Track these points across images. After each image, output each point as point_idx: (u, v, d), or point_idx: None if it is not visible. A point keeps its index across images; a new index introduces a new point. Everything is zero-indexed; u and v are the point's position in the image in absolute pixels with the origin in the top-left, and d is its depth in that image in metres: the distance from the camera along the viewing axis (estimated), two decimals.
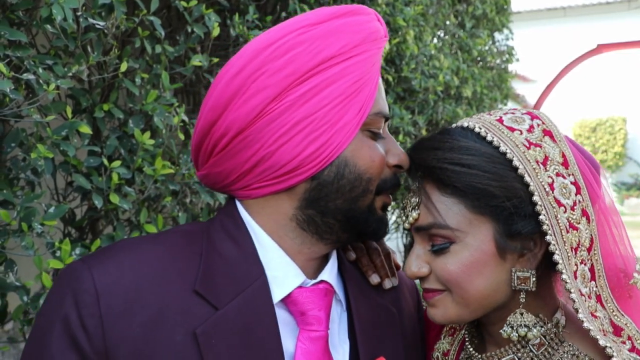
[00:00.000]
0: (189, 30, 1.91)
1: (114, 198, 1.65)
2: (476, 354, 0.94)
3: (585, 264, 0.86)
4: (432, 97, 3.69)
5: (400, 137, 3.48)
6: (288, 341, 0.86)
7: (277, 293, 0.86)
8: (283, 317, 0.87)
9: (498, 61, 5.88)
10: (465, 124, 0.91)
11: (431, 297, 0.90)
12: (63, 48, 1.55)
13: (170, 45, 1.94)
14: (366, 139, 0.89)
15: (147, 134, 1.73)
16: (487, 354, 0.93)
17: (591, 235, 0.87)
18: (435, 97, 3.74)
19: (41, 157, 1.44)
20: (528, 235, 0.85)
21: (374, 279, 0.98)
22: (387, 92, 3.42)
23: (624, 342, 0.86)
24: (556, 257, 0.83)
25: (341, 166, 0.86)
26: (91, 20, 1.51)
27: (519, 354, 0.90)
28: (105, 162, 1.63)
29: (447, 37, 4.58)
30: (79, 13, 1.47)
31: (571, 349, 0.88)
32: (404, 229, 0.93)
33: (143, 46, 1.78)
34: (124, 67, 1.60)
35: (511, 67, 6.83)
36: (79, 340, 0.76)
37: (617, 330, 0.87)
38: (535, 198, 0.84)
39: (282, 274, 0.87)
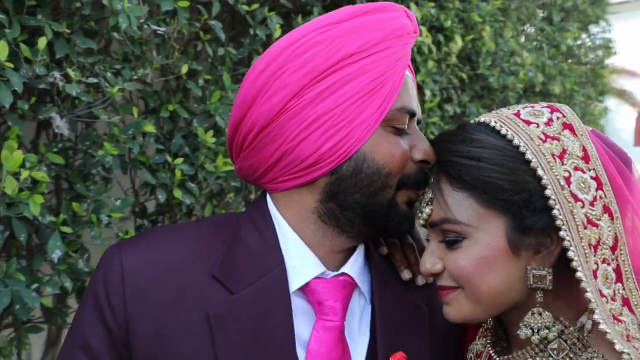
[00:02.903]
0: (252, 32, 1.99)
1: (177, 193, 1.75)
2: (495, 356, 0.91)
3: (608, 264, 0.82)
4: (512, 94, 3.56)
5: None
6: (304, 329, 0.89)
7: (295, 282, 0.89)
8: (301, 305, 0.90)
9: (592, 56, 5.55)
10: (482, 119, 0.89)
11: (445, 295, 0.89)
12: (130, 53, 1.67)
13: (236, 48, 2.03)
14: (387, 134, 0.90)
15: (210, 132, 1.82)
16: (506, 356, 0.90)
17: (615, 233, 0.82)
18: (515, 95, 3.61)
19: (108, 154, 1.56)
20: (541, 230, 0.82)
21: (406, 274, 0.98)
22: (463, 90, 3.35)
23: None
24: (570, 253, 0.80)
25: (359, 161, 0.88)
26: (153, 27, 1.61)
27: (537, 358, 0.86)
28: (169, 159, 1.74)
29: (532, 31, 4.39)
30: (142, 20, 1.58)
31: (595, 355, 0.83)
32: (421, 225, 0.93)
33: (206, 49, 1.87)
34: (184, 69, 1.70)
35: (613, 62, 6.42)
36: (105, 315, 0.84)
37: None
38: (548, 192, 0.81)
39: (301, 264, 0.90)
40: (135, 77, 1.62)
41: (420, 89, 2.82)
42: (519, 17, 4.22)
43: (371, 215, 0.90)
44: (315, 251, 0.92)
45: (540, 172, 0.81)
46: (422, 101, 2.80)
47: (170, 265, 0.87)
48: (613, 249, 0.83)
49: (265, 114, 0.88)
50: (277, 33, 1.99)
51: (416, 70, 2.80)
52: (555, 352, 0.85)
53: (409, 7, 2.61)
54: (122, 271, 0.85)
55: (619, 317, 0.80)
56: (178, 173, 1.74)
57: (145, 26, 1.63)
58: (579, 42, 5.20)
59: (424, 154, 0.91)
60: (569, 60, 5.20)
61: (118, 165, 1.63)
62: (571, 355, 0.85)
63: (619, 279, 0.83)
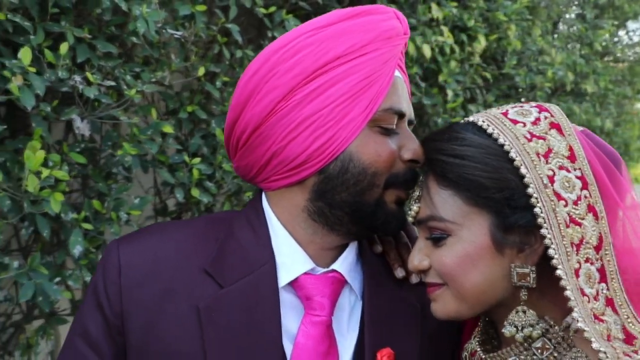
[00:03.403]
0: (270, 35, 2.03)
1: (195, 192, 1.80)
2: (482, 355, 0.92)
3: (592, 263, 0.82)
4: (540, 94, 3.51)
5: None
6: (293, 323, 0.92)
7: (284, 277, 0.92)
8: (290, 300, 0.93)
9: (630, 53, 5.40)
10: (471, 118, 0.90)
11: (432, 292, 0.90)
12: (150, 57, 1.73)
13: (254, 50, 2.07)
14: (374, 134, 0.91)
15: None
16: (492, 354, 0.91)
17: (600, 233, 0.82)
18: (544, 94, 3.55)
19: (127, 154, 1.63)
20: (525, 228, 0.82)
21: (399, 273, 0.99)
22: (488, 90, 3.32)
23: (636, 352, 0.80)
24: (551, 251, 0.80)
25: (346, 160, 0.90)
26: (171, 31, 1.67)
27: (522, 356, 0.87)
28: (186, 158, 1.79)
29: (564, 29, 4.31)
30: (159, 25, 1.64)
31: (580, 354, 0.83)
32: (410, 222, 0.94)
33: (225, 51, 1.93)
34: (201, 71, 1.76)
35: None
36: (103, 305, 0.89)
37: (630, 338, 0.81)
38: (530, 190, 0.81)
39: (291, 260, 0.93)
40: (153, 80, 1.68)
41: (442, 89, 2.82)
42: (550, 14, 4.16)
43: (359, 213, 0.91)
44: (307, 248, 0.94)
45: (523, 170, 0.82)
46: (444, 101, 2.79)
47: (165, 260, 0.91)
48: (597, 248, 0.83)
49: (257, 115, 0.91)
50: None
51: (438, 71, 2.79)
52: (539, 350, 0.85)
53: (430, 8, 2.61)
54: (119, 264, 0.90)
55: (601, 317, 0.80)
56: (196, 172, 1.79)
57: (164, 30, 1.69)
58: (615, 39, 5.07)
59: (412, 153, 0.92)
60: (605, 59, 5.08)
61: (137, 164, 1.69)
62: (555, 354, 0.85)
63: (603, 279, 0.83)
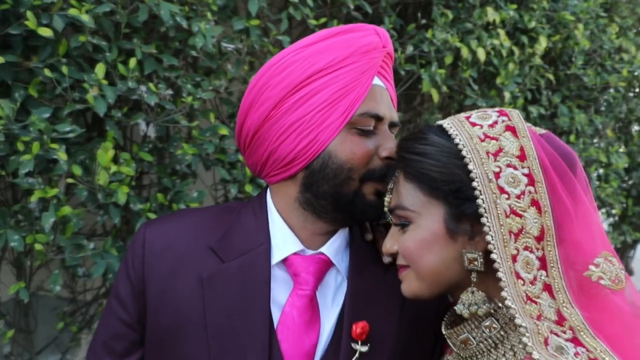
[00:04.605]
0: None
1: (248, 187, 2.01)
2: (444, 330, 1.02)
3: (531, 252, 0.90)
4: (612, 94, 3.41)
5: (572, 137, 3.31)
6: (283, 295, 1.07)
7: (277, 256, 1.08)
8: (282, 276, 1.08)
9: None
10: (440, 122, 1.01)
11: (401, 273, 1.01)
12: (209, 67, 1.96)
13: None
14: (351, 135, 1.05)
15: None
16: (449, 331, 1.01)
17: (542, 225, 0.90)
18: (616, 94, 3.45)
19: (187, 153, 1.86)
20: (474, 218, 0.92)
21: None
22: (553, 92, 3.28)
23: (564, 332, 0.88)
24: (488, 237, 0.89)
25: (326, 158, 1.04)
26: (224, 44, 1.88)
27: (473, 334, 0.96)
28: (240, 157, 2.00)
29: None
30: (216, 39, 1.86)
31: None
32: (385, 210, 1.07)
33: None
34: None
35: None
36: (129, 271, 1.09)
37: (561, 320, 0.89)
38: (475, 183, 0.91)
39: (282, 242, 1.08)
40: (210, 88, 1.90)
41: (500, 91, 2.85)
42: (634, 9, 4.00)
43: (339, 202, 1.05)
44: (299, 233, 1.09)
45: (470, 166, 0.92)
46: (501, 103, 2.82)
47: (180, 237, 1.10)
48: (538, 239, 0.90)
49: (255, 121, 1.08)
50: None
51: (496, 74, 2.83)
52: (487, 329, 0.95)
53: (486, 13, 2.66)
54: (144, 239, 1.10)
55: (535, 299, 0.88)
56: (248, 170, 1.99)
57: (220, 44, 1.90)
58: None
59: (388, 151, 1.05)
60: None
61: (197, 162, 1.92)
62: (502, 332, 0.94)
63: (543, 266, 0.90)
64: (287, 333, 1.04)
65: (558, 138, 1.00)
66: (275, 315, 1.05)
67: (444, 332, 1.01)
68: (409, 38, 2.59)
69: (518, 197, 0.90)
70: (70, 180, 1.64)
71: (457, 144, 0.94)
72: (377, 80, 1.08)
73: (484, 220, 0.89)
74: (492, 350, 0.95)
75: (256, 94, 1.07)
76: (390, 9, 2.53)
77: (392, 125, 1.10)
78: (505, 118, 0.97)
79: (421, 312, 1.11)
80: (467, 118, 0.98)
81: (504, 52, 2.73)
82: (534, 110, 2.98)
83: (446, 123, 0.99)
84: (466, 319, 0.98)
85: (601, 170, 3.84)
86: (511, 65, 2.78)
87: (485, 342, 0.95)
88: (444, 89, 2.61)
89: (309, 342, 1.04)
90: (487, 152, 0.92)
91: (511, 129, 0.95)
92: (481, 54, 2.61)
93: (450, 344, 1.01)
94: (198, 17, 1.87)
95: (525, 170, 0.91)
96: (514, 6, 2.83)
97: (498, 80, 2.78)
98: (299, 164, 1.06)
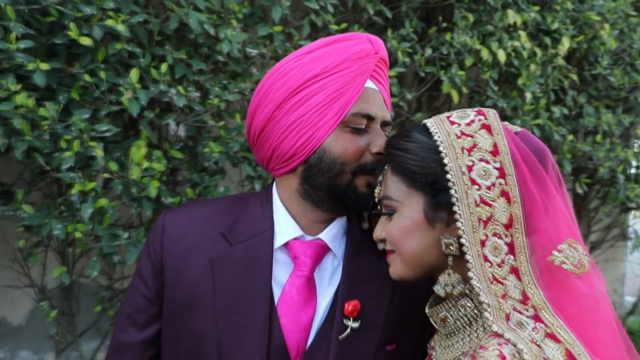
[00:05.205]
0: None
1: None
2: (427, 310, 1.13)
3: (500, 238, 0.99)
4: None
5: (599, 137, 3.32)
6: (284, 275, 1.20)
7: (279, 241, 1.21)
8: (283, 259, 1.21)
9: None
10: (425, 121, 1.12)
11: (388, 257, 1.12)
12: (235, 71, 2.10)
13: None
14: (344, 133, 1.16)
15: None
16: (430, 310, 1.11)
17: (511, 214, 0.99)
18: None
19: (214, 151, 2.01)
20: (448, 207, 1.02)
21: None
22: (578, 92, 3.30)
23: (527, 309, 0.97)
24: (459, 223, 0.99)
25: (321, 153, 1.16)
26: (248, 50, 2.02)
27: (451, 312, 1.06)
28: None
29: None
30: (239, 45, 2.00)
31: None
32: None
33: None
34: None
35: None
36: (150, 253, 1.24)
37: (525, 299, 0.98)
38: (449, 176, 1.01)
39: (284, 229, 1.21)
40: (236, 90, 2.05)
41: (522, 92, 2.90)
42: None
43: (334, 193, 1.17)
44: (300, 221, 1.21)
45: (445, 160, 1.02)
46: (523, 104, 2.87)
47: (194, 223, 1.23)
48: (507, 226, 1.00)
49: (261, 121, 1.21)
50: None
51: (518, 75, 2.88)
52: (462, 307, 1.04)
53: (507, 15, 2.72)
54: (163, 225, 1.24)
55: (501, 280, 0.98)
56: None
57: (245, 49, 2.04)
58: None
59: (379, 148, 1.17)
60: None
61: (224, 160, 2.06)
62: (476, 311, 1.04)
63: (511, 251, 0.99)
64: (286, 309, 1.16)
65: (534, 136, 1.09)
66: (277, 293, 1.17)
67: (426, 311, 1.12)
68: (429, 41, 2.67)
69: (488, 188, 1.00)
70: (106, 175, 1.81)
71: (436, 141, 1.04)
72: (370, 84, 1.19)
73: (455, 208, 1.00)
74: (467, 327, 1.05)
75: (262, 97, 1.20)
76: (412, 13, 2.62)
77: (384, 124, 1.21)
78: (482, 117, 1.06)
79: (411, 295, 1.21)
80: (448, 117, 1.08)
81: (525, 54, 2.78)
82: (557, 110, 3.02)
83: (429, 122, 1.09)
84: (444, 299, 1.08)
85: (632, 171, 3.82)
86: (533, 66, 2.83)
87: (461, 320, 1.05)
88: (465, 90, 2.68)
89: (306, 318, 1.16)
90: (462, 148, 1.02)
91: (486, 127, 1.05)
92: (501, 56, 2.67)
93: (432, 322, 1.12)
94: (225, 25, 2.01)
95: (497, 164, 1.01)
96: (537, 8, 2.87)
97: (520, 81, 2.84)
98: (298, 158, 1.18)
